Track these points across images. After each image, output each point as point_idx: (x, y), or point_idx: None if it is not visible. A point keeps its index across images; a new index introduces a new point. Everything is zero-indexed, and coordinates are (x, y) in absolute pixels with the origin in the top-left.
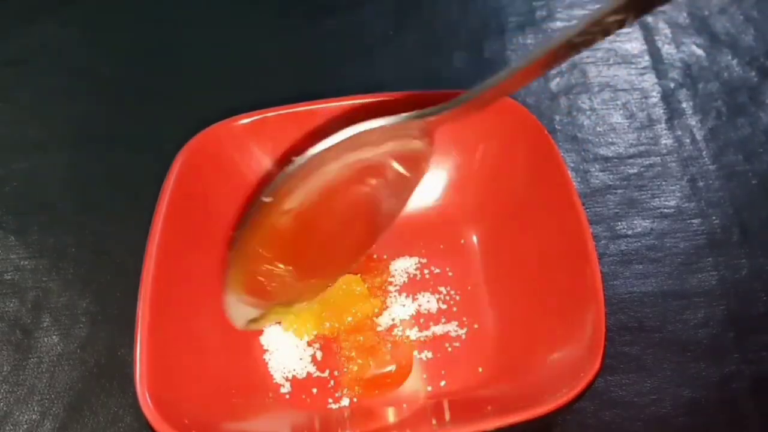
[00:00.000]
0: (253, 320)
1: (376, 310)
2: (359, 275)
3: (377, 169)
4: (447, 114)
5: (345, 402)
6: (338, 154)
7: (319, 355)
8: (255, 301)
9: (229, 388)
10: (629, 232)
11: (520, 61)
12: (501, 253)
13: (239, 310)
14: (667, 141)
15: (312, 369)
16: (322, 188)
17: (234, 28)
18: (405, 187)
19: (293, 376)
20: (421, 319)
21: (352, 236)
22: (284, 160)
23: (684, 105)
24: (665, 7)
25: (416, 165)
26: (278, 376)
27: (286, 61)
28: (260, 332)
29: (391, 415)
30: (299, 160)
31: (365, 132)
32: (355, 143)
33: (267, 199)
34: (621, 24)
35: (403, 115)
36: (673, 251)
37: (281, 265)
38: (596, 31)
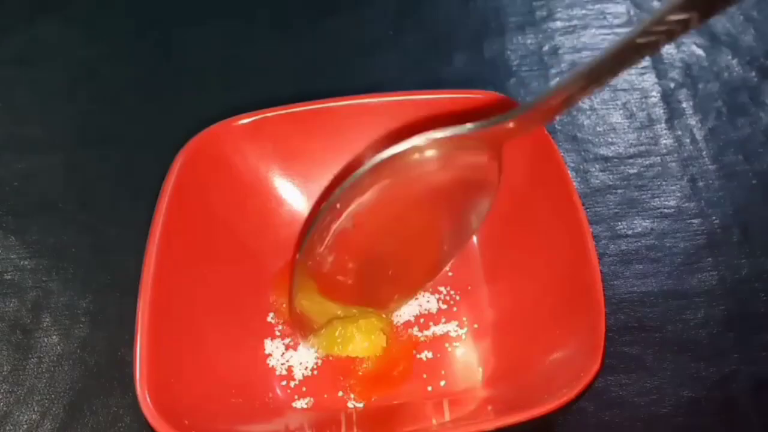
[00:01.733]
0: (313, 339)
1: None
2: None
3: (445, 186)
4: (515, 122)
5: (345, 403)
6: (405, 163)
7: (320, 355)
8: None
9: (229, 388)
10: (629, 232)
11: (590, 60)
12: (501, 253)
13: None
14: (667, 141)
15: (312, 370)
16: (387, 198)
17: (234, 28)
18: (474, 209)
19: (293, 376)
20: (421, 319)
21: (418, 257)
22: (284, 160)
23: (684, 105)
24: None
25: (484, 184)
26: (278, 376)
27: (286, 61)
28: (263, 333)
29: (391, 416)
30: (366, 166)
31: (432, 141)
32: (423, 152)
33: (337, 204)
34: (685, 25)
35: (469, 124)
36: (673, 251)
37: (343, 274)
38: (660, 32)
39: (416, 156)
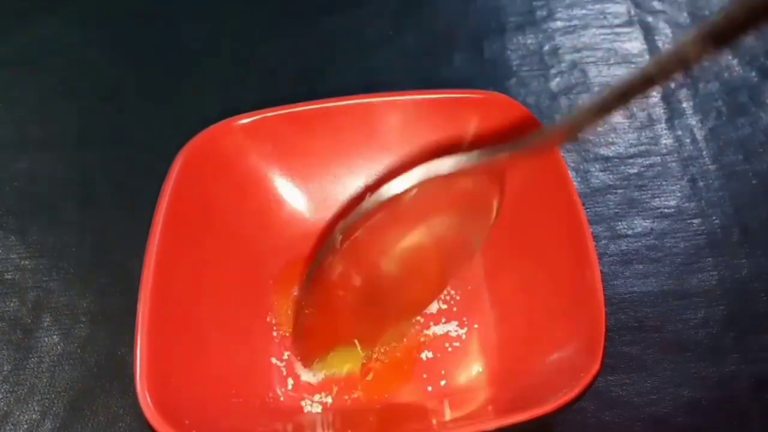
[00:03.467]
0: (317, 365)
1: None
2: None
3: (445, 215)
4: (518, 153)
5: (345, 402)
6: (406, 200)
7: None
8: (317, 346)
9: (229, 388)
10: (629, 232)
11: (597, 96)
12: (501, 253)
13: (304, 353)
14: (667, 141)
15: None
16: (388, 233)
17: (234, 28)
18: (474, 231)
19: (293, 376)
20: (421, 319)
21: (417, 286)
22: (284, 160)
23: (684, 105)
24: (665, 7)
25: (485, 207)
26: (279, 376)
27: (286, 61)
28: (263, 332)
29: (391, 416)
30: (367, 204)
31: (434, 178)
32: (424, 186)
33: (337, 243)
34: (702, 55)
35: (472, 154)
36: (673, 251)
37: (345, 306)
38: (674, 62)
39: (417, 192)
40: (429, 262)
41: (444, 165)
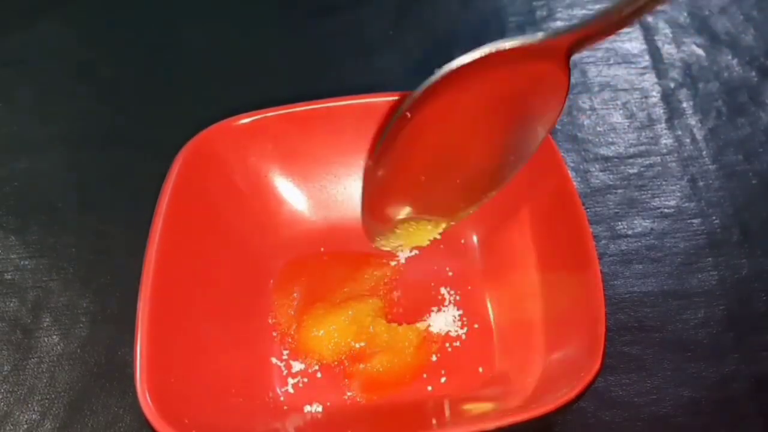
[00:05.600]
0: (382, 237)
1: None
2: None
3: (512, 95)
4: (584, 31)
5: (345, 402)
6: (475, 71)
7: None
8: (385, 217)
9: (229, 388)
10: (629, 232)
11: None
12: (501, 253)
13: (372, 226)
14: (667, 141)
15: (312, 369)
16: (455, 106)
17: (234, 28)
18: (541, 118)
19: (293, 376)
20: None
21: (484, 164)
22: (284, 160)
23: (684, 105)
24: (665, 7)
25: (552, 93)
26: (279, 376)
27: (286, 61)
28: (263, 332)
29: (391, 415)
30: (438, 73)
31: (500, 51)
32: (491, 62)
33: (407, 113)
34: None
35: (538, 34)
36: (673, 251)
37: (412, 179)
38: None
39: (485, 66)
40: (494, 146)
41: (509, 42)
